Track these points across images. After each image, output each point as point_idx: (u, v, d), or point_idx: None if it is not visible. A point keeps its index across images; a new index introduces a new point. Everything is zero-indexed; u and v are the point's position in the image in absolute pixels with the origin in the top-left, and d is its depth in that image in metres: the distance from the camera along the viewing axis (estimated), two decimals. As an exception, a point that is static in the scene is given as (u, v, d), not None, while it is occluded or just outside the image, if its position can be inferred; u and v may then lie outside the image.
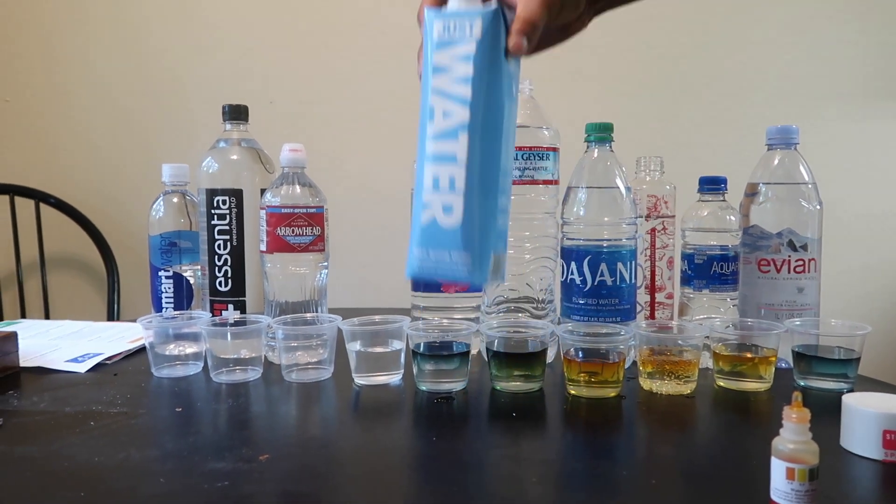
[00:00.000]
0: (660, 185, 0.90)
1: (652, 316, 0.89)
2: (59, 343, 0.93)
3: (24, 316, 1.55)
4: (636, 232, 0.83)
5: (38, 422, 0.64)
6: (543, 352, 0.74)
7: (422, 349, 0.73)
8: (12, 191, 1.54)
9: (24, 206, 1.55)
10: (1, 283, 1.55)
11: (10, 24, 1.64)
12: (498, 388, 0.73)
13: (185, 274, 0.94)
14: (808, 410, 0.45)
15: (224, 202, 0.84)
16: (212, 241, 0.85)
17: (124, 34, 1.63)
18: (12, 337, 0.81)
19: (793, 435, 0.45)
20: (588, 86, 1.56)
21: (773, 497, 0.45)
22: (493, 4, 0.56)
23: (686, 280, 0.87)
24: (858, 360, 0.73)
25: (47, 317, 1.56)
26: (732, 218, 0.85)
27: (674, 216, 0.90)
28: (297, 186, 0.82)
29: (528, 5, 0.54)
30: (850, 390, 0.71)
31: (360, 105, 1.59)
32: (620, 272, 0.79)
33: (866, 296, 1.60)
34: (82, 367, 0.81)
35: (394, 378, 0.76)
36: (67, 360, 0.83)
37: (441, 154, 0.57)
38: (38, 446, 0.58)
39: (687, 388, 0.72)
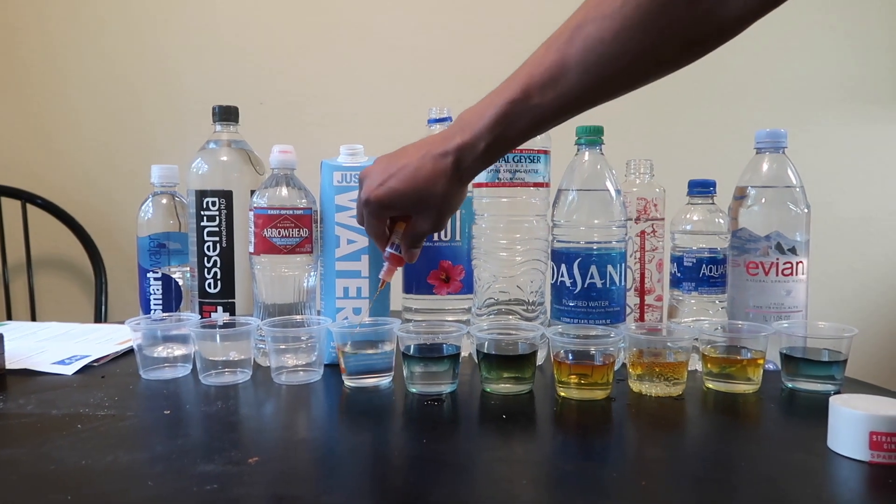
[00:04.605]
0: (649, 188, 0.91)
1: (641, 318, 0.90)
2: (46, 345, 0.92)
3: (10, 317, 1.54)
4: (626, 234, 0.83)
5: (24, 424, 0.63)
6: (533, 354, 0.74)
7: (412, 351, 0.73)
8: (-1, 191, 1.53)
9: (11, 206, 1.54)
10: (-13, 284, 1.54)
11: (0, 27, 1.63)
12: (488, 390, 0.73)
13: (173, 276, 0.93)
14: None
15: (213, 204, 0.84)
16: (201, 242, 0.84)
17: (114, 35, 1.62)
18: (-2, 339, 0.80)
19: None
20: (578, 89, 1.57)
21: None
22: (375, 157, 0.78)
23: (675, 282, 0.88)
24: (845, 362, 0.74)
25: (34, 318, 1.54)
26: (721, 221, 0.86)
27: (663, 219, 0.90)
28: (285, 188, 0.81)
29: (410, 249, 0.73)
30: (838, 392, 0.72)
31: (351, 106, 1.59)
32: (610, 274, 0.80)
33: (853, 298, 1.61)
34: (69, 370, 0.80)
35: (384, 380, 0.76)
36: (54, 363, 0.83)
37: (348, 271, 0.82)
38: (25, 449, 0.57)
39: (676, 391, 0.72)
